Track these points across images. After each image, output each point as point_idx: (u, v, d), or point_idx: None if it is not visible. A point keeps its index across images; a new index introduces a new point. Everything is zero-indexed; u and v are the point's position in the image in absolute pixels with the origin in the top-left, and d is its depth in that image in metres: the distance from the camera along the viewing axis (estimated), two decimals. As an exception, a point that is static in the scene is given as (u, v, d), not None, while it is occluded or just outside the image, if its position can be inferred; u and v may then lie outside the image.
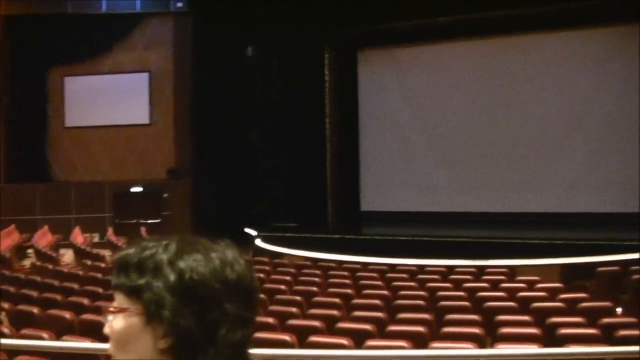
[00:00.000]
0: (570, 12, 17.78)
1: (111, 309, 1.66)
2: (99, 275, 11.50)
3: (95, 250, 16.59)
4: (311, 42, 19.60)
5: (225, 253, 1.69)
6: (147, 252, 1.65)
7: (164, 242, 1.66)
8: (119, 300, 1.66)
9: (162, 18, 21.40)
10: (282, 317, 8.16)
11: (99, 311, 7.65)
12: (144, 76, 21.38)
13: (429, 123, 19.81)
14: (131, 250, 1.67)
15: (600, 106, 18.04)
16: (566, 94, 18.37)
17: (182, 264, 1.62)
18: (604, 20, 17.80)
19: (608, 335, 7.27)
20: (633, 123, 17.55)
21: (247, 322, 1.65)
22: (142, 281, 1.62)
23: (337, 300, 9.36)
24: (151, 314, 1.60)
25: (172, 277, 1.60)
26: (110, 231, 19.19)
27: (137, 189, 21.04)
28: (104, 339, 1.68)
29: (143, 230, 19.04)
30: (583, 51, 18.27)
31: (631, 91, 17.59)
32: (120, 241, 17.60)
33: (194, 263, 1.63)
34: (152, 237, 1.71)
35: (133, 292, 1.63)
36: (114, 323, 1.64)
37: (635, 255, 13.54)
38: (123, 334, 1.63)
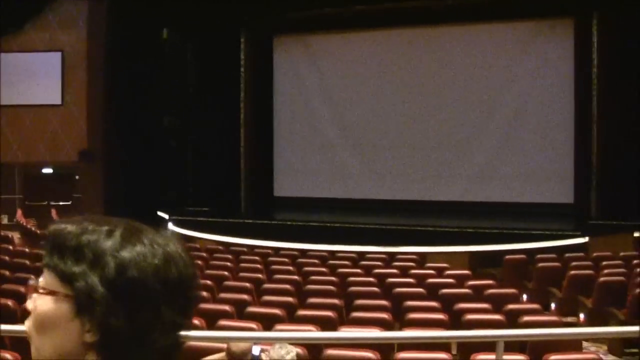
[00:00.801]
0: (484, 5, 18.07)
1: (40, 290, 1.48)
2: (7, 258, 11.25)
3: (3, 232, 16.22)
4: (227, 27, 19.48)
5: (169, 247, 1.52)
6: (88, 237, 1.47)
7: (107, 228, 1.49)
8: (48, 280, 1.48)
9: (76, -3, 20.99)
10: (192, 301, 8.11)
11: (5, 295, 7.50)
12: (57, 56, 20.88)
13: (343, 110, 19.92)
14: (69, 228, 1.50)
15: (512, 99, 18.41)
16: (479, 85, 18.68)
17: (124, 257, 1.45)
18: (517, 14, 18.15)
19: (513, 321, 7.45)
20: (541, 116, 18.01)
21: (181, 326, 1.51)
22: (77, 269, 1.45)
23: (247, 284, 9.37)
24: (81, 306, 1.44)
25: (111, 270, 1.44)
26: (19, 213, 18.81)
27: (47, 171, 20.65)
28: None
29: (53, 212, 18.72)
30: (497, 44, 18.59)
31: (541, 85, 18.06)
32: (30, 223, 17.28)
33: (137, 257, 1.46)
34: (95, 217, 1.53)
35: (65, 278, 1.46)
36: (39, 302, 1.48)
37: (540, 244, 13.90)
38: (46, 317, 1.47)
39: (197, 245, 14.09)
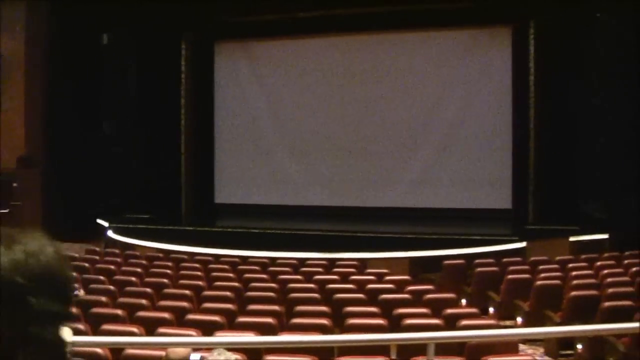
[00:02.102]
0: (425, 13, 18.27)
1: None
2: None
3: None
4: (168, 32, 19.36)
5: (30, 244, 1.51)
6: None
7: None
8: None
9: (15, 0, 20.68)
10: (132, 309, 8.09)
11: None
12: (-6, 59, 20.56)
13: (284, 117, 19.94)
14: None
15: (451, 106, 18.62)
16: (418, 92, 18.84)
17: None
18: (457, 22, 18.37)
19: (451, 325, 7.55)
20: (480, 123, 18.23)
21: (60, 316, 1.50)
22: None
23: (187, 292, 9.34)
24: None
25: None
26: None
27: (-17, 178, 20.29)
28: None
29: (-10, 220, 18.42)
30: (437, 51, 18.78)
31: (480, 92, 18.30)
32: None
33: None
34: None
35: None
36: None
37: (479, 249, 14.08)
38: None
39: (137, 253, 13.97)
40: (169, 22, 18.95)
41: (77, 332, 6.63)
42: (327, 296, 9.38)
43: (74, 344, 1.58)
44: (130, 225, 17.40)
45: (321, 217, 18.54)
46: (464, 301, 11.37)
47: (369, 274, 11.39)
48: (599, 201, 16.70)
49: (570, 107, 16.90)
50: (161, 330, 6.89)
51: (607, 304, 8.57)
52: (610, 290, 9.30)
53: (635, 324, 6.35)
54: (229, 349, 4.99)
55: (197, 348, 5.18)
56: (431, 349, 4.29)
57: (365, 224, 17.09)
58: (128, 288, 9.73)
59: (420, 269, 13.62)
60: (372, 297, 9.15)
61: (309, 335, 6.63)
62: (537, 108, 17.16)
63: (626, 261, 11.70)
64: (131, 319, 7.73)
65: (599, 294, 9.30)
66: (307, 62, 19.72)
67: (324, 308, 8.54)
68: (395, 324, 7.68)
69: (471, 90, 18.44)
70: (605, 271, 10.77)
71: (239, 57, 20.45)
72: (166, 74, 19.58)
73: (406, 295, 9.34)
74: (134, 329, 6.93)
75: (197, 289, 9.61)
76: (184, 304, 8.54)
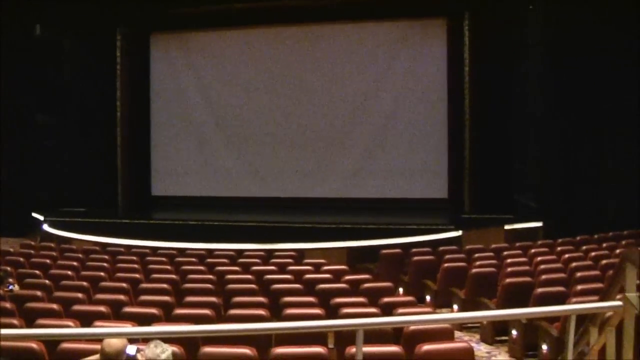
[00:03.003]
0: (359, 5, 18.36)
1: None
2: None
3: None
4: (103, 23, 19.10)
5: None
6: None
7: None
8: None
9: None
10: (67, 303, 8.01)
11: None
12: None
13: (220, 109, 19.85)
14: None
15: (387, 96, 18.73)
16: (354, 82, 18.91)
17: None
18: (392, 14, 18.48)
19: (388, 313, 7.62)
20: (416, 113, 18.39)
21: None
22: None
23: (124, 285, 9.27)
24: None
25: None
26: None
27: None
28: None
29: None
30: (372, 42, 18.85)
31: (415, 83, 18.46)
32: None
33: None
34: None
35: None
36: None
37: (416, 239, 14.22)
38: None
39: (74, 247, 13.80)
40: (103, 13, 18.70)
41: (10, 326, 6.56)
42: (264, 287, 9.40)
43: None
44: (66, 219, 17.19)
45: (258, 208, 18.54)
46: (401, 290, 11.50)
47: (307, 264, 11.43)
48: (532, 191, 16.99)
49: (504, 98, 17.13)
50: (97, 323, 6.85)
51: (540, 290, 8.74)
52: (544, 276, 9.50)
53: (566, 307, 6.47)
54: (165, 341, 4.99)
55: (133, 340, 5.16)
56: (360, 335, 4.31)
57: (302, 214, 17.10)
58: (64, 282, 9.62)
59: (357, 259, 13.71)
60: (309, 288, 9.19)
61: (243, 324, 6.63)
62: (472, 99, 17.34)
63: (559, 248, 11.96)
64: (67, 313, 7.65)
65: (533, 280, 9.48)
66: (242, 53, 19.65)
67: (261, 299, 8.56)
68: (333, 314, 7.73)
69: (407, 81, 18.57)
70: (539, 258, 10.98)
71: (175, 48, 20.29)
72: (101, 66, 19.34)
73: (343, 285, 9.40)
74: (70, 323, 6.87)
75: (133, 282, 9.54)
76: (121, 297, 8.49)
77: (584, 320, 5.44)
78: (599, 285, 8.43)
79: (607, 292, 5.00)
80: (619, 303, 4.61)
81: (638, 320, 4.29)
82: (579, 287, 8.41)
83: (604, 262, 10.14)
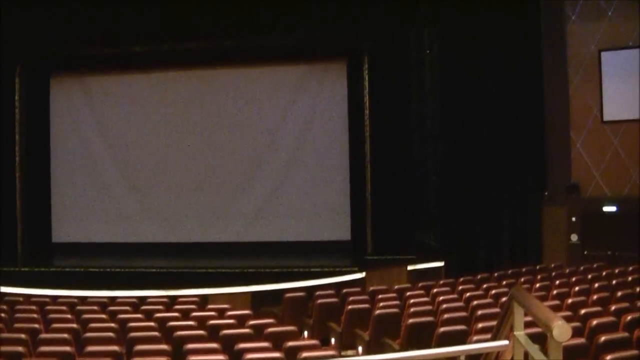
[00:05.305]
0: (260, 48, 18.52)
1: None
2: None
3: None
4: (1, 67, 18.75)
5: None
6: None
7: None
8: None
9: None
10: (-39, 356, 7.77)
11: None
12: None
13: (122, 152, 19.67)
14: None
15: (288, 139, 18.92)
16: (256, 126, 19.06)
17: None
18: (291, 56, 18.74)
19: (292, 358, 7.63)
20: (318, 156, 18.60)
21: None
22: None
23: (22, 335, 9.03)
24: None
25: None
26: None
27: None
28: None
29: None
30: (272, 85, 19.04)
31: (317, 125, 18.69)
32: None
33: None
34: None
35: None
36: None
37: (320, 281, 14.29)
38: None
39: (-32, 297, 13.40)
40: (2, 54, 18.37)
41: None
42: (167, 334, 9.28)
43: None
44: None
45: (162, 253, 18.36)
46: (305, 333, 11.51)
47: (210, 309, 11.34)
48: (433, 230, 17.30)
49: (404, 139, 17.45)
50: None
51: (442, 329, 8.87)
52: (445, 315, 9.64)
53: (466, 347, 6.60)
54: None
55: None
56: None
57: (206, 259, 17.02)
58: (-43, 335, 9.31)
59: (262, 303, 13.70)
60: (213, 333, 9.12)
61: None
62: (372, 139, 17.61)
63: (460, 287, 12.18)
64: (-40, 368, 7.43)
65: (435, 320, 9.62)
66: (143, 96, 19.59)
67: (164, 346, 8.45)
68: (236, 359, 7.70)
69: (308, 123, 18.79)
70: (441, 297, 11.14)
71: (76, 91, 20.06)
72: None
73: (247, 330, 9.36)
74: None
75: (32, 332, 9.30)
76: (19, 348, 8.26)
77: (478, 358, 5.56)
78: (499, 322, 8.60)
79: (497, 332, 5.13)
80: (507, 342, 4.75)
81: (526, 358, 4.42)
82: (480, 324, 8.57)
83: (503, 299, 10.36)
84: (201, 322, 9.87)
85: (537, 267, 14.35)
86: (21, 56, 19.02)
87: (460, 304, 10.74)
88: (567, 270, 13.65)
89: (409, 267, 15.49)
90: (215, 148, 19.17)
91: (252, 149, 19.04)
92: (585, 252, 16.18)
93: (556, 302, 9.94)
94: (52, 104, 20.12)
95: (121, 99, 19.74)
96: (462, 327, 8.89)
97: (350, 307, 11.24)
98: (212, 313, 10.83)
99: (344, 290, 12.44)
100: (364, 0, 17.35)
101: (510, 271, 13.64)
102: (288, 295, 12.81)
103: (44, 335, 9.22)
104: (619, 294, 10.29)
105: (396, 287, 12.76)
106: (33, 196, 19.44)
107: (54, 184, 20.01)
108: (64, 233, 19.92)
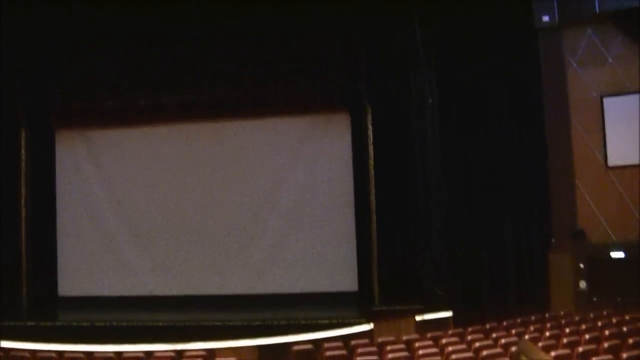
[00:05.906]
0: (263, 100, 18.65)
1: None
2: None
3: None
4: (6, 119, 18.83)
5: None
6: None
7: None
8: None
9: None
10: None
11: None
12: None
13: (126, 205, 19.67)
14: None
15: (293, 191, 18.91)
16: (260, 178, 19.08)
17: None
18: (294, 109, 18.82)
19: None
20: (323, 208, 18.59)
21: None
22: None
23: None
24: None
25: None
26: None
27: None
28: None
29: None
30: (277, 138, 19.08)
31: (322, 177, 18.71)
32: None
33: None
34: None
35: None
36: None
37: (327, 333, 14.21)
38: None
39: (-28, 354, 13.34)
40: (7, 109, 18.48)
41: None
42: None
43: None
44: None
45: (168, 306, 18.24)
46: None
47: (218, 363, 11.31)
48: (440, 280, 17.19)
49: (409, 190, 17.41)
50: None
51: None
52: (455, 366, 9.58)
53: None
54: None
55: None
56: None
57: (212, 312, 16.94)
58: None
59: (269, 356, 13.61)
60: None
61: None
62: (377, 190, 17.59)
63: (469, 337, 12.09)
64: None
65: (445, 371, 9.56)
66: (147, 149, 19.66)
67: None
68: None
69: (312, 174, 18.81)
70: (450, 348, 11.07)
71: (80, 144, 20.10)
72: (5, 163, 18.96)
73: (256, 384, 9.31)
74: None
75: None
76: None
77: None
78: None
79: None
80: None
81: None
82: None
83: (513, 348, 10.29)
84: (209, 377, 9.83)
85: (547, 315, 14.27)
86: (25, 110, 19.13)
87: (470, 354, 10.67)
88: (577, 318, 13.56)
89: (417, 317, 15.40)
90: (220, 200, 19.16)
91: (256, 201, 19.03)
92: (595, 299, 16.06)
93: (567, 351, 9.87)
94: (57, 158, 20.17)
95: (125, 152, 19.79)
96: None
97: (358, 358, 11.18)
98: (220, 367, 10.79)
99: (352, 342, 12.37)
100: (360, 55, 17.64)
101: (519, 320, 13.56)
102: (295, 348, 12.74)
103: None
104: (631, 341, 10.22)
105: (405, 337, 12.68)
106: (38, 250, 19.41)
107: (59, 238, 19.97)
108: (71, 286, 19.82)
